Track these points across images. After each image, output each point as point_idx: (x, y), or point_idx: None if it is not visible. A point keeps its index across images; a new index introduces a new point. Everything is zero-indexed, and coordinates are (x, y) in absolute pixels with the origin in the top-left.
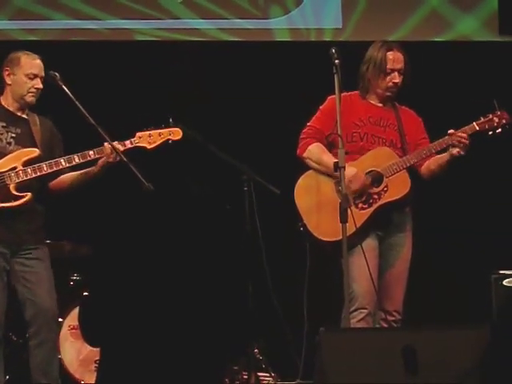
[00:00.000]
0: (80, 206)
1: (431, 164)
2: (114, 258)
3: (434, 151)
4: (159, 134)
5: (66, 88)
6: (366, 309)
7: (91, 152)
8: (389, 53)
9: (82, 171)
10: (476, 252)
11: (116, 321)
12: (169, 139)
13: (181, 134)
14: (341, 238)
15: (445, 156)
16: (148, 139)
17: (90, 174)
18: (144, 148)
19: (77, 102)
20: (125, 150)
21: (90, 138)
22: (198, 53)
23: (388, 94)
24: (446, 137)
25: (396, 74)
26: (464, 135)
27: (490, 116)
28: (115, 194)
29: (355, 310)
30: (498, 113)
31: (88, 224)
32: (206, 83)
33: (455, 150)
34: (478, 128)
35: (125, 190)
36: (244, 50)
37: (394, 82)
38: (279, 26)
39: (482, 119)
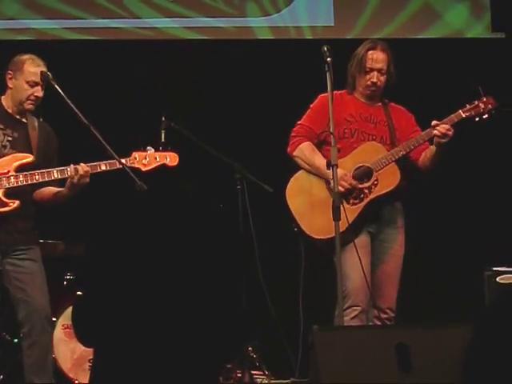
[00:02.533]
0: (73, 206)
1: (425, 155)
2: (107, 258)
3: (421, 141)
4: (155, 158)
5: (58, 88)
6: (359, 306)
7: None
8: (370, 52)
9: (57, 190)
10: (469, 249)
11: (110, 320)
12: (164, 164)
13: (177, 160)
14: (334, 235)
15: (433, 147)
16: (143, 161)
17: (61, 195)
18: (138, 169)
19: (69, 102)
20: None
21: (84, 138)
22: (189, 51)
23: (368, 92)
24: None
25: (375, 73)
26: (445, 127)
27: (476, 102)
28: (108, 193)
29: (348, 308)
30: (484, 99)
31: (81, 223)
32: (199, 82)
33: (440, 139)
34: (464, 115)
35: (117, 189)
36: (237, 48)
37: (372, 82)
38: (271, 24)
39: (468, 106)
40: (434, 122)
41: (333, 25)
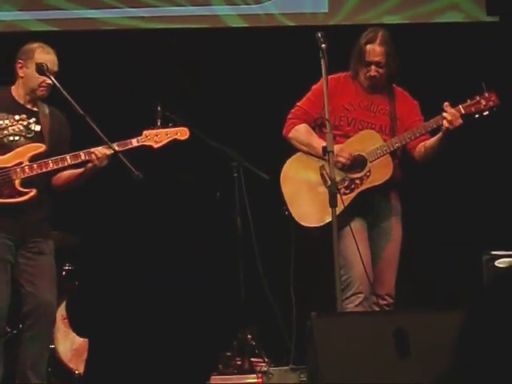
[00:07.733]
0: (69, 196)
1: (424, 146)
2: (103, 248)
3: (418, 135)
4: (166, 134)
5: (53, 79)
6: (362, 293)
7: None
8: (368, 45)
9: (74, 171)
10: (467, 233)
11: (105, 310)
12: (175, 139)
13: (188, 133)
14: (324, 223)
15: (434, 139)
16: (155, 138)
17: (77, 175)
18: (150, 147)
19: (65, 93)
20: (131, 149)
21: (79, 128)
22: (188, 40)
23: (368, 82)
24: (432, 119)
25: (373, 66)
26: (455, 113)
27: (478, 98)
28: (104, 182)
29: (352, 295)
30: (486, 95)
31: (77, 214)
32: (195, 70)
33: (445, 124)
34: (463, 111)
35: (114, 178)
36: (234, 35)
37: (370, 75)
38: (267, 11)
39: (469, 101)
40: (445, 104)
41: (327, 11)
